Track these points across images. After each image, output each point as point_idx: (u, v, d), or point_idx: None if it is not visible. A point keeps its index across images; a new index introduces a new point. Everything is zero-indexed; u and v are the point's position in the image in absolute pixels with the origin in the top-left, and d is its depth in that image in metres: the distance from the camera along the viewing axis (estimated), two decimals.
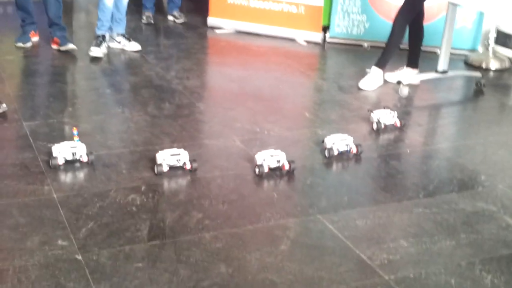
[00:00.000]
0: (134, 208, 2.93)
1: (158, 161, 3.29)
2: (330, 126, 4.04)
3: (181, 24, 6.51)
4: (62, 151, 3.30)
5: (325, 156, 3.57)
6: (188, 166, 3.31)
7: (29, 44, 5.25)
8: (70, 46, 5.16)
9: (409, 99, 4.72)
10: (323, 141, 3.64)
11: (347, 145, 3.59)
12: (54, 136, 3.68)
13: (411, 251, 2.73)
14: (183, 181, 3.23)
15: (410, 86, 4.82)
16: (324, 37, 6.18)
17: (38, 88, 4.51)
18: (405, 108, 4.55)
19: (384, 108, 4.19)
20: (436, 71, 4.90)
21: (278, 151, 3.41)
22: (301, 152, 3.71)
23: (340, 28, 6.13)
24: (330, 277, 2.52)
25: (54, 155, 3.29)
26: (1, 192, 3.01)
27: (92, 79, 4.76)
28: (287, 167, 3.35)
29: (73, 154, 3.31)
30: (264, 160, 3.34)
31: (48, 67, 4.91)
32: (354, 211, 3.04)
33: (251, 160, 3.48)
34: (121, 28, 5.39)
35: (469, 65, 5.68)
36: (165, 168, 3.27)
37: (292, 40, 6.11)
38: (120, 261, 2.53)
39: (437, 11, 5.71)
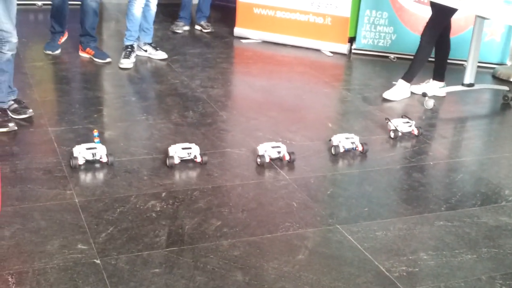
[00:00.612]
0: (153, 214, 2.95)
1: (170, 154, 3.46)
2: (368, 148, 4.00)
3: (208, 33, 6.55)
4: (82, 152, 3.40)
5: (332, 154, 3.72)
6: (198, 159, 3.47)
7: (58, 52, 5.33)
8: (108, 59, 5.25)
9: (434, 111, 4.68)
10: (330, 140, 3.80)
11: (352, 143, 3.77)
12: (78, 142, 3.71)
13: (431, 264, 2.69)
14: (203, 189, 3.24)
15: (436, 98, 4.79)
16: (350, 48, 6.17)
17: (65, 94, 4.58)
18: (430, 120, 4.52)
19: (402, 117, 4.20)
20: (463, 84, 4.86)
21: (279, 143, 3.63)
22: (323, 162, 3.70)
23: (367, 39, 6.11)
24: None
25: (74, 155, 3.39)
26: (24, 196, 3.05)
27: (118, 87, 4.82)
28: (287, 158, 3.57)
29: (93, 154, 3.40)
30: (265, 151, 3.55)
31: (76, 74, 4.98)
32: (374, 222, 3.02)
33: (272, 170, 3.48)
34: (148, 37, 5.44)
35: (497, 79, 5.62)
36: (176, 161, 3.44)
37: (318, 51, 6.11)
38: (138, 266, 2.55)
39: (465, 24, 5.67)
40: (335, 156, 3.72)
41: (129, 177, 3.31)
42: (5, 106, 3.89)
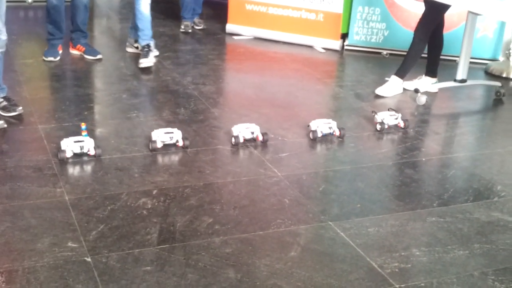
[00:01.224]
0: (144, 212, 2.93)
1: (153, 138, 3.57)
2: (346, 134, 4.01)
3: (200, 30, 6.53)
4: (70, 145, 3.42)
5: (310, 138, 3.85)
6: (180, 144, 3.59)
7: (58, 58, 5.16)
8: (99, 56, 5.24)
9: (427, 107, 4.68)
10: (308, 125, 3.92)
11: (330, 128, 3.89)
12: (75, 154, 3.69)
13: (423, 260, 2.68)
14: (194, 186, 3.22)
15: (429, 94, 4.79)
16: (343, 44, 6.16)
17: (55, 92, 4.55)
18: (422, 116, 4.51)
19: (388, 110, 4.23)
20: (455, 80, 4.86)
21: (253, 124, 3.80)
22: (315, 159, 3.69)
23: (359, 36, 6.10)
24: (340, 285, 2.49)
25: (62, 148, 3.42)
26: (14, 194, 3.03)
27: (109, 84, 4.79)
28: (260, 138, 3.75)
29: (80, 147, 3.43)
30: (239, 132, 3.72)
31: (66, 71, 4.94)
32: (367, 219, 3.01)
33: (264, 166, 3.47)
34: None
35: (490, 75, 5.62)
36: (159, 145, 3.55)
37: (310, 47, 6.10)
38: (129, 264, 2.53)
39: (458, 20, 5.66)
40: (314, 141, 3.85)
41: (120, 175, 3.29)
42: None
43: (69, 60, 5.15)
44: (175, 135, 3.62)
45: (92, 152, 3.45)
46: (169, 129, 3.65)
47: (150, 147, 3.54)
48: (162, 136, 3.59)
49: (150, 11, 5.11)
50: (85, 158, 3.44)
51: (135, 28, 5.28)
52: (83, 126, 3.55)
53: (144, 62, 5.05)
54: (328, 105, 4.71)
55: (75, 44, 5.27)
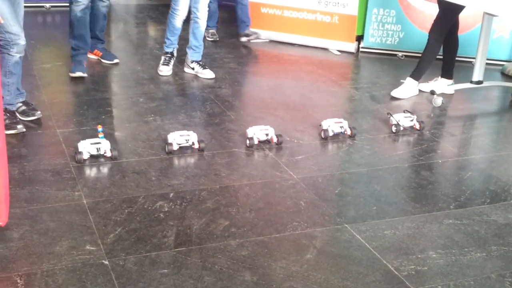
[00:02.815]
0: (161, 215, 2.95)
1: (169, 141, 3.61)
2: (361, 136, 4.02)
3: (254, 42, 6.47)
4: (87, 147, 3.49)
5: (321, 137, 3.91)
6: (196, 146, 3.63)
7: (86, 74, 4.89)
8: (116, 60, 5.28)
9: (443, 109, 4.66)
10: (320, 124, 3.96)
11: (341, 127, 3.93)
12: (92, 156, 3.72)
13: (440, 263, 2.68)
14: (211, 189, 3.24)
15: (444, 96, 4.77)
16: (358, 47, 6.15)
17: (73, 96, 4.59)
18: (438, 118, 4.50)
19: (404, 112, 4.25)
20: (471, 81, 4.83)
21: (268, 126, 3.85)
22: (331, 161, 3.69)
23: (374, 38, 6.10)
24: (356, 287, 2.49)
25: (79, 150, 3.48)
26: (33, 198, 3.07)
27: (125, 88, 4.82)
28: (275, 140, 3.79)
29: (97, 149, 3.49)
30: (254, 133, 3.78)
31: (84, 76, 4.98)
32: (383, 221, 3.01)
33: (280, 169, 3.48)
34: (197, 55, 5.17)
35: (506, 76, 5.58)
36: (175, 147, 3.59)
37: (325, 49, 6.10)
38: (146, 267, 2.55)
39: (473, 21, 5.64)
40: (325, 140, 3.90)
41: (137, 178, 3.31)
42: (14, 108, 3.90)
43: (112, 91, 4.92)
44: (191, 138, 3.65)
45: (108, 154, 3.50)
46: (185, 132, 3.68)
47: (167, 150, 3.59)
48: (178, 138, 3.63)
49: (182, 26, 5.06)
50: (102, 160, 3.50)
51: (192, 48, 5.15)
52: (100, 128, 3.60)
53: (164, 70, 5.09)
54: (343, 107, 4.71)
55: (92, 49, 5.27)
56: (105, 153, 3.50)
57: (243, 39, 6.28)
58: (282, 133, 3.92)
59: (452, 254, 2.75)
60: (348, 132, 3.95)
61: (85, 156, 3.47)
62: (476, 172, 3.65)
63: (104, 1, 5.07)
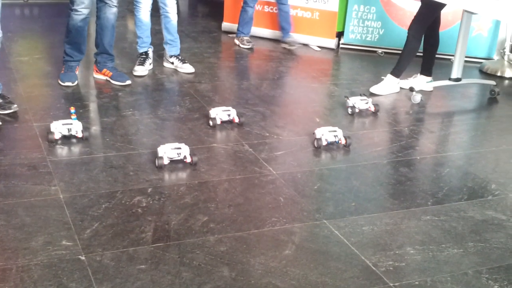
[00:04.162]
0: (139, 210, 2.93)
1: (159, 154, 3.38)
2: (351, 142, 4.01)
3: (195, 28, 6.50)
4: (58, 127, 3.59)
5: (315, 146, 3.76)
6: (188, 160, 3.42)
7: (76, 82, 4.64)
8: (127, 82, 4.72)
9: (421, 106, 4.68)
10: (313, 133, 3.82)
11: (336, 136, 3.79)
12: (64, 136, 3.69)
13: (418, 259, 2.69)
14: (189, 184, 3.22)
15: (423, 93, 4.80)
16: (338, 43, 6.16)
17: (50, 90, 4.53)
18: (417, 115, 4.52)
19: (360, 95, 4.47)
20: (450, 78, 4.86)
21: (230, 108, 4.04)
22: (310, 157, 3.69)
23: (354, 34, 6.11)
24: (334, 283, 2.49)
25: (51, 130, 3.57)
26: (8, 192, 3.02)
27: (103, 82, 4.77)
28: (236, 120, 3.98)
29: (68, 130, 3.60)
30: (217, 114, 3.96)
31: (61, 69, 4.92)
32: (361, 217, 3.02)
33: (259, 165, 3.47)
34: (174, 49, 5.13)
35: (484, 73, 5.64)
36: (166, 161, 3.37)
37: (306, 45, 6.10)
38: (123, 263, 2.53)
39: (452, 18, 5.67)
40: (318, 149, 3.74)
41: (115, 173, 3.28)
42: None
43: (90, 85, 4.78)
44: (183, 151, 3.41)
45: (80, 134, 3.61)
46: (176, 144, 3.44)
47: (157, 164, 3.34)
48: (169, 152, 3.39)
49: (150, 18, 4.98)
50: (74, 140, 3.61)
51: (168, 43, 5.11)
52: (72, 110, 3.70)
53: (139, 70, 4.94)
54: (323, 103, 4.71)
55: (101, 68, 4.77)
56: (76, 133, 3.61)
57: (284, 45, 6.03)
58: (262, 129, 3.91)
59: (429, 250, 2.76)
60: (343, 141, 3.80)
61: (57, 136, 3.56)
62: (454, 168, 3.67)
63: (112, 7, 4.59)
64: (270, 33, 6.27)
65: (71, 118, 3.64)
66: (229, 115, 4.01)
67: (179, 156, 3.40)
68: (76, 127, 3.61)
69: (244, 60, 5.70)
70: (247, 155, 3.62)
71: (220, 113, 4.00)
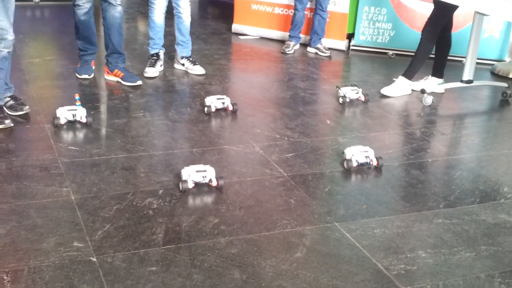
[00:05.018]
0: (150, 212, 2.93)
1: (183, 177, 3.17)
2: (351, 134, 4.01)
3: (206, 30, 6.50)
4: (64, 113, 3.83)
5: (344, 168, 3.51)
6: (214, 183, 3.19)
7: (92, 75, 4.81)
8: (138, 82, 4.73)
9: (433, 108, 4.66)
10: (343, 153, 3.59)
11: (367, 157, 3.52)
12: (75, 138, 3.72)
13: (429, 262, 2.67)
14: (200, 186, 3.22)
15: (435, 95, 4.78)
16: (349, 44, 6.15)
17: (62, 91, 4.55)
18: (428, 117, 4.50)
19: (351, 85, 4.68)
20: (461, 80, 4.84)
21: (224, 96, 4.23)
22: (321, 159, 3.68)
23: (365, 36, 6.10)
24: (345, 286, 2.48)
25: (57, 115, 3.82)
26: (20, 193, 3.03)
27: (114, 84, 4.78)
28: (231, 108, 4.19)
29: (73, 115, 3.84)
30: (211, 102, 4.16)
31: (72, 71, 4.94)
32: (373, 220, 3.00)
33: (270, 167, 3.47)
34: (185, 51, 5.14)
35: (496, 75, 5.60)
36: (190, 185, 3.15)
37: (316, 47, 6.09)
38: (134, 264, 2.53)
39: (464, 20, 5.65)
40: (348, 171, 3.48)
41: (126, 174, 3.29)
42: (1, 103, 3.86)
43: (76, 59, 4.96)
44: (208, 174, 3.19)
45: (84, 120, 3.85)
46: (201, 167, 3.22)
47: (181, 188, 3.13)
48: (194, 175, 3.17)
49: (163, 20, 4.98)
50: (78, 126, 3.84)
51: (180, 44, 5.11)
52: (77, 96, 3.93)
53: (149, 72, 4.94)
54: (333, 105, 4.70)
55: (112, 69, 4.78)
56: (81, 119, 3.84)
57: (312, 50, 5.99)
58: (272, 131, 3.90)
59: (441, 254, 2.74)
60: (374, 162, 3.55)
61: (62, 121, 3.80)
62: (466, 171, 3.65)
63: (116, 6, 4.61)
64: (280, 34, 6.26)
65: (75, 105, 3.89)
66: (223, 103, 4.20)
67: (204, 180, 3.18)
68: (80, 113, 3.85)
69: (254, 62, 5.69)
70: (258, 157, 3.62)
71: (214, 101, 4.18)
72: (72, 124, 3.85)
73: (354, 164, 3.50)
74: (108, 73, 4.82)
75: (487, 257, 2.74)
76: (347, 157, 3.52)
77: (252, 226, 2.88)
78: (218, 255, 2.63)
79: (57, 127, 3.78)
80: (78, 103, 3.91)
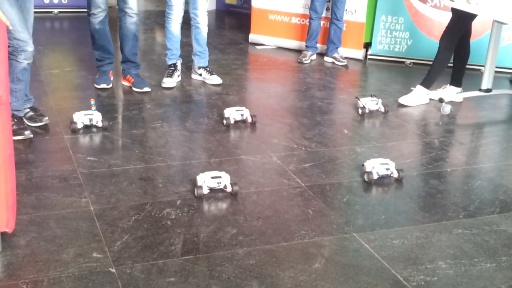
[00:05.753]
0: (169, 222, 2.94)
1: (198, 183, 3.22)
2: (369, 144, 4.00)
3: (223, 40, 6.53)
4: (81, 117, 3.95)
5: (365, 181, 3.47)
6: (229, 189, 3.23)
7: (111, 85, 4.86)
8: (146, 89, 4.81)
9: (451, 117, 4.63)
10: (363, 165, 3.55)
11: (387, 169, 3.48)
12: (94, 149, 3.74)
13: (449, 273, 2.65)
14: (218, 196, 3.22)
15: (453, 104, 4.75)
16: (366, 54, 6.14)
17: (80, 102, 4.58)
18: (447, 126, 4.47)
19: (371, 96, 4.63)
20: (480, 89, 4.81)
21: (243, 108, 4.21)
22: (339, 169, 3.67)
23: (382, 45, 6.08)
24: None
25: (74, 120, 3.93)
26: (39, 204, 3.06)
27: (132, 94, 4.81)
28: (250, 120, 4.16)
29: (90, 120, 3.96)
30: (230, 114, 4.14)
31: (91, 81, 4.98)
32: (392, 230, 2.98)
33: (288, 177, 3.46)
34: (203, 61, 5.15)
35: None
36: (205, 191, 3.19)
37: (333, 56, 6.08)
38: (153, 275, 2.53)
39: (482, 29, 5.61)
40: (369, 183, 3.45)
41: (144, 185, 3.30)
42: (21, 114, 3.90)
43: (94, 70, 5.00)
44: (223, 180, 3.24)
45: (100, 124, 3.96)
46: (216, 173, 3.27)
47: (196, 194, 3.18)
48: (209, 181, 3.21)
49: (180, 31, 5.00)
50: (94, 130, 3.94)
51: (197, 54, 5.13)
52: (93, 101, 4.04)
53: (167, 82, 4.95)
54: (351, 114, 4.68)
55: (126, 74, 4.90)
56: (97, 123, 3.96)
57: (329, 60, 5.96)
58: (290, 141, 3.90)
59: (461, 265, 2.72)
60: (395, 174, 3.51)
61: (79, 126, 3.92)
62: (485, 181, 3.62)
63: (132, 16, 4.67)
64: (297, 44, 6.27)
65: (91, 109, 3.99)
66: (242, 115, 4.18)
67: (219, 185, 3.22)
68: (96, 117, 3.96)
69: (272, 71, 5.70)
70: (275, 167, 3.62)
71: (233, 113, 4.17)
72: (88, 129, 3.95)
73: (375, 176, 3.46)
74: (123, 78, 4.97)
75: (508, 268, 2.71)
76: (367, 169, 3.48)
77: (270, 236, 2.87)
78: (237, 266, 2.62)
79: (75, 132, 3.89)
80: (93, 107, 4.02)
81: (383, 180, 3.50)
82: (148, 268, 2.58)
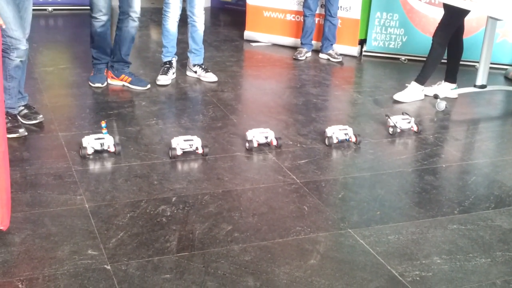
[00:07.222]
0: (164, 219, 2.94)
1: (173, 145, 3.57)
2: (364, 140, 4.00)
3: (218, 37, 6.52)
4: (91, 142, 3.57)
5: (326, 144, 3.86)
6: (200, 151, 3.60)
7: (105, 83, 4.84)
8: (148, 86, 4.84)
9: (446, 113, 4.64)
10: (324, 132, 3.93)
11: (346, 134, 3.88)
12: (95, 151, 3.72)
13: (445, 268, 2.66)
14: (213, 193, 3.22)
15: (448, 100, 4.76)
16: (361, 50, 6.14)
17: (75, 100, 4.58)
18: (442, 122, 4.48)
19: (402, 114, 4.27)
20: (475, 85, 4.82)
21: (268, 129, 3.84)
22: (334, 165, 3.67)
23: (377, 41, 6.08)
24: None
25: (84, 145, 3.55)
26: (34, 202, 3.05)
27: (127, 91, 4.80)
28: (275, 143, 3.79)
29: (101, 144, 3.58)
30: (253, 136, 3.77)
31: (86, 79, 4.96)
32: (387, 226, 2.99)
33: (283, 173, 3.47)
34: (198, 58, 5.15)
35: (510, 80, 5.57)
36: (179, 152, 3.57)
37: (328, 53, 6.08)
38: (148, 272, 2.53)
39: (477, 25, 5.62)
40: (329, 147, 3.84)
41: (139, 182, 3.30)
42: (16, 112, 3.89)
43: (89, 68, 4.96)
44: (195, 143, 3.62)
45: (112, 149, 3.58)
46: (188, 137, 3.65)
47: (170, 155, 3.56)
48: (182, 143, 3.60)
49: (177, 29, 5.00)
50: (106, 155, 3.58)
51: (193, 52, 5.13)
52: (103, 124, 3.66)
53: (162, 79, 4.96)
54: (346, 111, 4.69)
55: (118, 74, 4.84)
56: (108, 148, 3.58)
57: (324, 56, 5.98)
58: (285, 137, 3.90)
59: (456, 260, 2.73)
60: (353, 139, 3.90)
61: (89, 151, 3.54)
62: (480, 177, 3.63)
63: (135, 20, 4.66)
64: (292, 41, 6.27)
65: (102, 133, 3.63)
66: (266, 137, 3.79)
67: (191, 148, 3.60)
68: (108, 142, 3.58)
69: (267, 68, 5.70)
70: (271, 163, 3.62)
71: (257, 135, 3.78)
72: (99, 154, 3.58)
73: (335, 140, 3.86)
74: (112, 77, 4.88)
75: (503, 263, 2.72)
76: (328, 134, 3.88)
77: (266, 233, 2.87)
78: (232, 262, 2.62)
79: (85, 158, 3.52)
80: (104, 130, 3.63)
81: (376, 174, 3.55)
82: (144, 265, 2.57)
